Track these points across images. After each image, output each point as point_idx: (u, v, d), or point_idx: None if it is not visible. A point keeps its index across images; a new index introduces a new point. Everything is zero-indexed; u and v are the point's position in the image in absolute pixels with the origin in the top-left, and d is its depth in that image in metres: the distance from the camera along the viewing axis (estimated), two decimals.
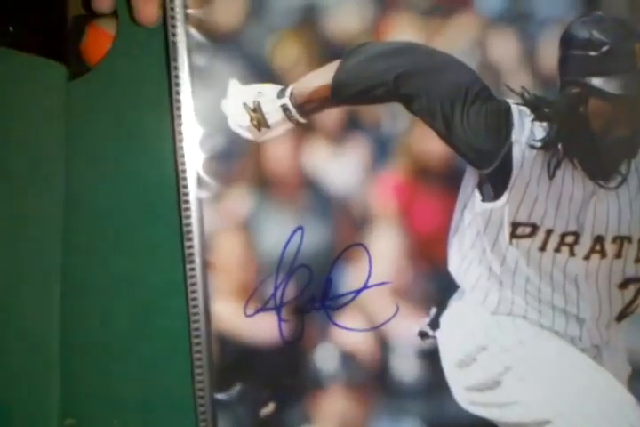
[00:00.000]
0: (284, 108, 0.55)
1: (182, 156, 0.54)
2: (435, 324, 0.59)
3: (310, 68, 0.56)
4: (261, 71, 0.55)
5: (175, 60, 0.53)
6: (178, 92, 0.53)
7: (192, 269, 0.55)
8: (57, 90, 0.56)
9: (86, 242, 0.57)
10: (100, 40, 0.53)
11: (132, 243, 0.57)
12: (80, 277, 0.57)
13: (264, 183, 0.57)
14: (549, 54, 0.59)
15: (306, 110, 0.56)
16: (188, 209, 0.55)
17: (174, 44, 0.53)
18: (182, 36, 0.53)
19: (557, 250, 0.57)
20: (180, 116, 0.53)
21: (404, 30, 0.58)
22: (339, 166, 0.59)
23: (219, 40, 0.55)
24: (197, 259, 0.55)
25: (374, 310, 0.59)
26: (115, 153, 0.57)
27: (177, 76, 0.53)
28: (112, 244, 0.57)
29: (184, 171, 0.55)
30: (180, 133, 0.54)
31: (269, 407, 0.57)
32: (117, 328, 0.57)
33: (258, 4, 0.55)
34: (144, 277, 0.57)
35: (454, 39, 0.59)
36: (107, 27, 0.53)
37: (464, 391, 0.58)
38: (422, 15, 0.58)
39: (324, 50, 0.57)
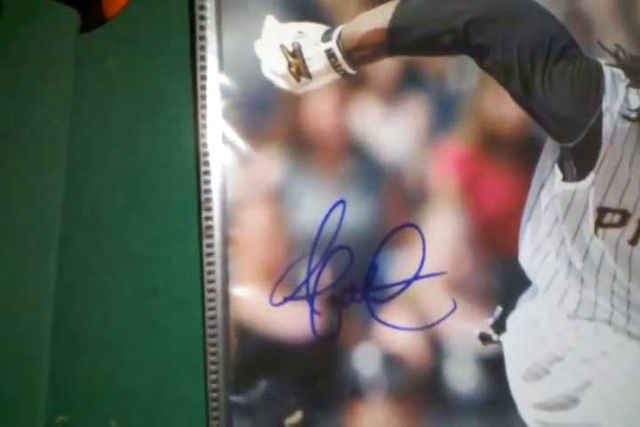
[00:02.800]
0: (330, 54, 0.46)
1: (204, 107, 0.45)
2: (500, 326, 0.49)
3: (363, 7, 0.46)
4: (304, 7, 0.46)
5: None
6: (203, 28, 0.43)
7: (210, 246, 0.46)
8: (67, 36, 0.50)
9: (89, 212, 0.50)
10: None
11: (142, 214, 0.49)
12: (80, 253, 0.50)
13: (301, 145, 0.48)
14: None
15: (355, 58, 0.46)
16: (208, 173, 0.45)
17: None
18: None
19: None
20: (203, 57, 0.44)
21: None
22: (391, 130, 0.49)
23: None
24: (217, 234, 0.46)
25: (426, 305, 0.49)
26: (126, 110, 0.48)
27: (202, 7, 0.43)
28: (118, 215, 0.49)
29: (205, 126, 0.45)
30: (204, 79, 0.44)
31: (296, 416, 0.47)
32: (120, 314, 0.48)
33: None
34: (153, 255, 0.48)
35: None
36: None
37: (532, 409, 0.48)
38: None
39: None
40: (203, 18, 0.44)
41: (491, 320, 0.50)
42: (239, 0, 0.46)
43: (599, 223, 0.50)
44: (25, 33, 0.50)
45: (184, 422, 0.48)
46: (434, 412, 0.49)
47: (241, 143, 0.47)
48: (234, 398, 0.47)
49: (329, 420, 0.48)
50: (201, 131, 0.46)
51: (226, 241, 0.47)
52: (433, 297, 0.50)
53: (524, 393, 0.49)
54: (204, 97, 0.46)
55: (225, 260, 0.47)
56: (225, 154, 0.47)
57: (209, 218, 0.46)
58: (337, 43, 0.47)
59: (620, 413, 0.48)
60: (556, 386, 0.49)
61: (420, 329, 0.49)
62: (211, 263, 0.47)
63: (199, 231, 0.47)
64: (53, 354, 0.49)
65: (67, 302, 0.49)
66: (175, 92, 0.48)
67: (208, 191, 0.46)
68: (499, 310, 0.50)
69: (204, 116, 0.45)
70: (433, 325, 0.49)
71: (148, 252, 0.48)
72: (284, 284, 0.48)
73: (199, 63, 0.45)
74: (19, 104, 0.50)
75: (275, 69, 0.47)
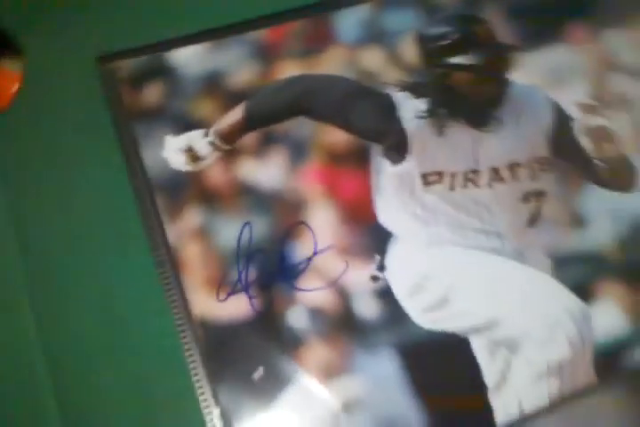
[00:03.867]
0: (211, 143, 0.73)
1: (138, 188, 0.71)
2: (381, 267, 0.68)
3: (223, 114, 0.75)
4: (187, 126, 0.74)
5: (119, 130, 0.74)
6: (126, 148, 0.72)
7: (164, 273, 0.69)
8: None
9: (47, 274, 0.64)
10: (4, 81, 0.57)
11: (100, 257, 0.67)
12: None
13: (210, 197, 0.73)
14: (410, 54, 0.75)
15: (228, 140, 0.74)
16: (152, 229, 0.70)
17: (117, 116, 0.74)
18: (124, 115, 0.74)
19: (464, 186, 0.68)
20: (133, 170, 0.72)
21: (288, 72, 0.77)
22: (266, 172, 0.74)
23: (151, 113, 0.76)
24: (168, 263, 0.69)
25: (328, 269, 0.69)
26: (58, 175, 0.66)
27: (124, 139, 0.73)
28: (79, 263, 0.66)
29: (140, 198, 0.71)
30: (135, 174, 0.72)
31: (260, 371, 0.64)
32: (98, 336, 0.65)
33: (173, 85, 0.77)
34: (121, 285, 0.66)
35: (330, 66, 0.77)
36: (12, 67, 0.69)
37: (422, 314, 0.64)
38: (300, 57, 0.77)
39: (232, 100, 0.76)
40: (124, 143, 0.74)
41: (374, 265, 0.69)
42: (146, 133, 0.76)
43: (425, 183, 0.71)
44: None
45: (174, 390, 0.65)
46: (356, 338, 0.65)
47: (169, 206, 0.73)
48: (210, 371, 0.66)
49: (285, 367, 0.65)
50: (139, 202, 0.72)
51: (176, 266, 0.70)
52: (330, 263, 0.69)
53: (412, 306, 0.65)
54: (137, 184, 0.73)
55: (179, 280, 0.69)
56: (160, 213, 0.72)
57: (159, 255, 0.70)
58: (213, 135, 0.75)
59: (479, 299, 0.64)
60: (432, 294, 0.65)
61: (328, 286, 0.68)
62: (168, 285, 0.69)
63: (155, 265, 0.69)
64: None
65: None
66: (111, 171, 0.69)
67: (154, 235, 0.70)
68: (377, 257, 0.69)
69: (139, 190, 0.71)
70: (336, 281, 0.68)
71: (116, 285, 0.67)
72: (224, 285, 0.69)
73: (130, 170, 0.73)
74: None
75: (178, 162, 0.74)
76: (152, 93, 0.75)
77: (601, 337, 0.64)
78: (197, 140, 0.71)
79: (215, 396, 0.63)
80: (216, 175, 0.73)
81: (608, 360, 0.64)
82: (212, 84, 0.75)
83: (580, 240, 0.69)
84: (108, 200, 0.70)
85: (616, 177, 0.67)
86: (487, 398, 0.63)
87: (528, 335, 0.63)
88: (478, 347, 0.65)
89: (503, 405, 0.63)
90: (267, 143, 0.74)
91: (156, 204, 0.70)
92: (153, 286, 0.67)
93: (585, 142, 0.67)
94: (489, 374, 0.64)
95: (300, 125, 0.74)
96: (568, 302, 0.64)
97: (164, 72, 0.73)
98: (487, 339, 0.64)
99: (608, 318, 0.65)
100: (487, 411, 0.62)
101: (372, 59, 0.77)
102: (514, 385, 0.63)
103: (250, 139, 0.74)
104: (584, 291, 0.66)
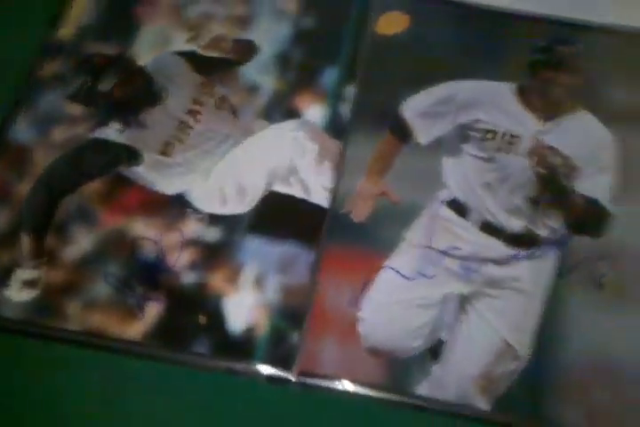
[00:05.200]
0: (33, 267, 0.87)
1: None
2: (197, 211, 0.93)
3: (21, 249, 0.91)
4: (9, 274, 0.89)
5: None
6: None
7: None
8: None
9: None
10: None
11: None
12: None
13: (70, 286, 0.88)
14: (76, 108, 0.98)
15: (39, 255, 0.88)
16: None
17: None
18: None
19: (187, 133, 0.95)
20: None
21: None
22: (83, 241, 0.91)
23: None
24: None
25: (173, 243, 0.89)
26: None
27: None
28: None
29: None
30: None
31: (203, 319, 0.82)
32: None
33: None
34: None
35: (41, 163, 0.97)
36: None
37: (243, 205, 0.92)
38: None
39: (14, 236, 0.92)
40: None
41: (193, 215, 0.89)
42: None
43: (165, 154, 0.94)
44: None
45: None
46: (229, 252, 0.84)
47: (52, 314, 0.87)
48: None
49: (215, 304, 0.81)
50: None
51: (97, 336, 0.84)
52: (172, 240, 0.88)
53: (232, 209, 0.91)
54: None
55: (109, 342, 0.83)
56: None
57: (79, 337, 0.84)
58: (30, 263, 0.89)
59: (253, 174, 0.93)
60: (230, 192, 0.92)
61: (184, 248, 0.87)
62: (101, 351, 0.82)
63: None
64: None
65: None
66: None
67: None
68: (188, 210, 0.91)
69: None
70: (184, 242, 0.87)
71: None
72: (133, 312, 0.85)
73: None
74: None
75: (29, 295, 0.86)
76: None
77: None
78: (23, 274, 0.88)
79: None
80: (58, 274, 0.90)
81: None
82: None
83: (261, 96, 0.97)
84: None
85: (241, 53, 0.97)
86: (310, 202, 0.90)
87: (291, 158, 0.91)
88: (281, 189, 0.91)
89: (317, 197, 0.90)
90: (63, 233, 0.92)
91: (49, 326, 0.85)
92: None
93: (212, 53, 0.96)
94: (296, 192, 0.91)
95: (69, 204, 0.93)
96: (292, 125, 0.93)
97: None
98: (279, 182, 0.92)
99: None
100: (312, 205, 0.89)
101: (62, 134, 0.99)
102: (312, 184, 0.90)
103: (50, 240, 0.91)
104: (295, 114, 0.95)
